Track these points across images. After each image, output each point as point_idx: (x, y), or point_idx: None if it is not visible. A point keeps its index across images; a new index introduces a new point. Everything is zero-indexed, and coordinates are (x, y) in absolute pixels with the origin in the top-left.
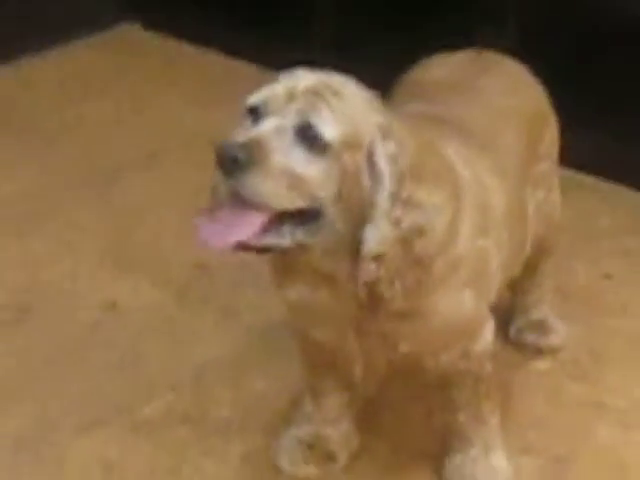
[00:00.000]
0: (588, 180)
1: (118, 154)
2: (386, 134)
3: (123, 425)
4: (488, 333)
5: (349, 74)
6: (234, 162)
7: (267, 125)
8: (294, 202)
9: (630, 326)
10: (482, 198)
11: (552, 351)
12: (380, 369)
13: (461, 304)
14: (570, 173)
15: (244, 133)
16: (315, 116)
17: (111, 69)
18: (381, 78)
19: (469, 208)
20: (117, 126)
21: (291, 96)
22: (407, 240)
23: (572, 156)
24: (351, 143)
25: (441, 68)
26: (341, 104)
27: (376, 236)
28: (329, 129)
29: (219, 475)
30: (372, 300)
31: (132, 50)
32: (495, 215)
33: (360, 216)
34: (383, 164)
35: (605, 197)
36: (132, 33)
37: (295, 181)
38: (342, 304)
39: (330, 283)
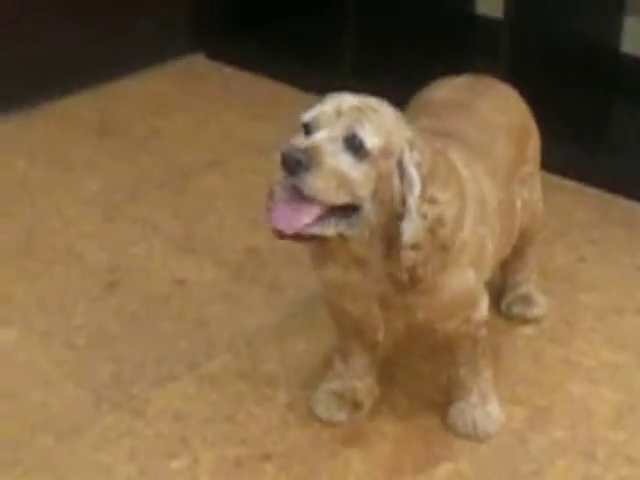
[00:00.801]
0: (565, 182)
1: (188, 159)
2: (412, 145)
3: (190, 380)
4: (484, 304)
5: (374, 95)
6: (297, 163)
7: (321, 135)
8: (341, 198)
9: (599, 300)
10: (479, 195)
11: (535, 320)
12: (398, 334)
13: (466, 280)
14: (550, 176)
15: (302, 141)
16: (359, 128)
17: (180, 91)
18: (398, 98)
19: (470, 202)
20: (186, 137)
21: (338, 113)
22: (433, 230)
23: (551, 162)
24: (386, 151)
25: (445, 89)
26: (378, 119)
27: (412, 229)
28: (370, 139)
29: (268, 420)
30: (412, 281)
31: (197, 76)
32: (489, 209)
33: (390, 211)
34: (412, 170)
35: (578, 196)
36: (197, 62)
37: (343, 181)
38: (370, 283)
39: (361, 266)
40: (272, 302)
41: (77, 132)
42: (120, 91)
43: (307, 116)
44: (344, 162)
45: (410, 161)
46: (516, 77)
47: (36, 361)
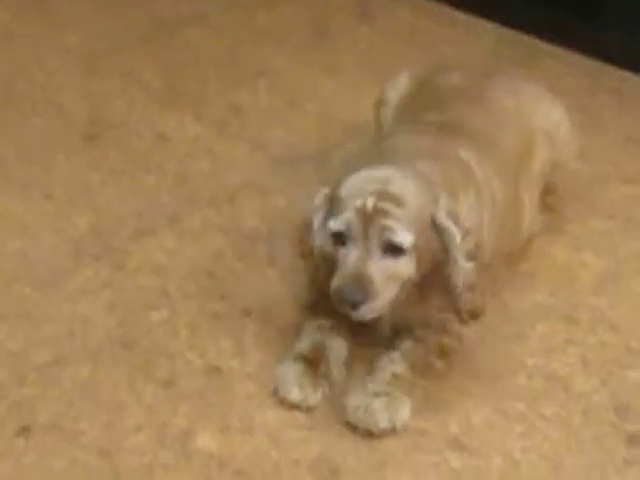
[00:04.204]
0: (556, 49)
1: (173, 12)
2: (437, 203)
3: (170, 234)
4: None
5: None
6: (354, 304)
7: (357, 254)
8: (394, 294)
9: (586, 168)
10: (491, 196)
11: None
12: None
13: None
14: (541, 43)
15: (346, 271)
16: (391, 234)
17: None
18: None
19: (486, 204)
20: None
21: (364, 219)
22: (475, 257)
23: (542, 28)
24: (419, 233)
25: (456, 76)
26: (404, 211)
27: (462, 274)
28: (403, 239)
29: (249, 274)
30: (475, 314)
31: None
32: (498, 212)
33: (432, 261)
34: (449, 225)
35: (569, 63)
36: None
37: (391, 280)
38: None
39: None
40: (255, 159)
41: None
42: None
43: (335, 227)
44: (388, 268)
45: (444, 220)
46: None
47: (14, 211)
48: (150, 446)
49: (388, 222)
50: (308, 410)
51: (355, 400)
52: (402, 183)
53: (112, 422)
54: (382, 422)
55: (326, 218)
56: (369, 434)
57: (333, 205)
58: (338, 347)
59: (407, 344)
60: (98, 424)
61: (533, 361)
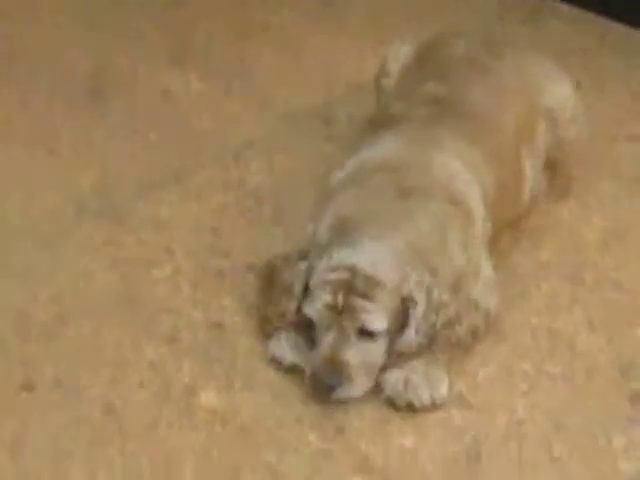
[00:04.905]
0: (561, 7)
1: None
2: (413, 278)
3: (174, 191)
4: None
5: None
6: (330, 388)
7: (331, 340)
8: (372, 377)
9: (591, 126)
10: (482, 190)
11: None
12: None
13: None
14: (546, 1)
15: (323, 357)
16: (365, 323)
17: None
18: None
19: (477, 214)
20: None
21: (335, 312)
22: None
23: None
24: (393, 312)
25: (462, 46)
26: (377, 290)
27: (405, 345)
28: (378, 324)
29: (252, 232)
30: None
31: None
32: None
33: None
34: (416, 296)
35: (574, 21)
36: None
37: (368, 364)
38: None
39: None
40: (260, 117)
41: None
42: None
43: (309, 313)
44: (363, 349)
45: (414, 292)
46: None
47: (18, 167)
48: (154, 402)
49: (361, 315)
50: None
51: (393, 375)
52: (372, 265)
53: (115, 378)
54: (424, 397)
55: (304, 288)
56: (410, 409)
57: (309, 280)
58: None
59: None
60: (102, 380)
61: (538, 320)
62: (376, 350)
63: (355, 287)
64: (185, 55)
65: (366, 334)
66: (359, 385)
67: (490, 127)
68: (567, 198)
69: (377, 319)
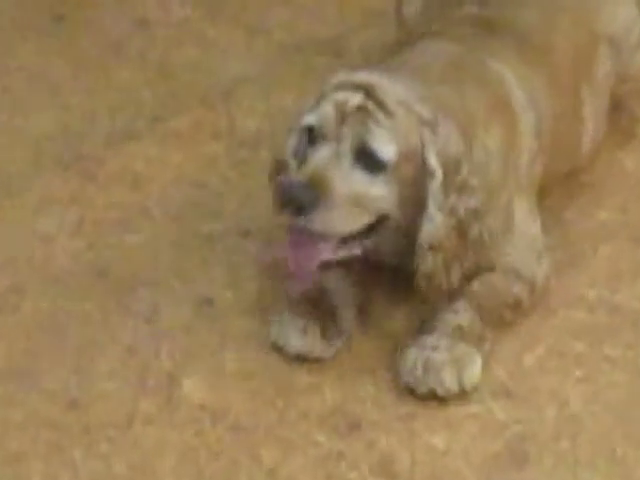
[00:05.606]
0: None
1: None
2: (433, 128)
3: (152, 138)
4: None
5: None
6: (299, 205)
7: (324, 154)
8: (362, 222)
9: None
10: (537, 119)
11: None
12: None
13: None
14: None
15: (303, 168)
16: (369, 137)
17: None
18: None
19: (525, 140)
20: None
21: (342, 117)
22: (463, 226)
23: None
24: (406, 154)
25: None
26: (389, 119)
27: (430, 227)
28: (384, 148)
29: (248, 187)
30: (430, 290)
31: None
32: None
33: (416, 206)
34: (433, 161)
35: None
36: None
37: (360, 203)
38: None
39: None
40: (255, 47)
41: None
42: None
43: (308, 120)
44: (357, 181)
45: (431, 150)
46: None
47: None
48: (128, 394)
49: (370, 124)
50: (320, 362)
51: (411, 355)
52: (400, 95)
53: (82, 365)
54: (448, 381)
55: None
56: (433, 396)
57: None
58: (343, 287)
59: (474, 289)
60: (65, 368)
61: (595, 292)
62: (375, 190)
63: (378, 96)
64: None
65: (366, 161)
66: (338, 218)
67: (545, 50)
68: (632, 144)
69: (385, 137)
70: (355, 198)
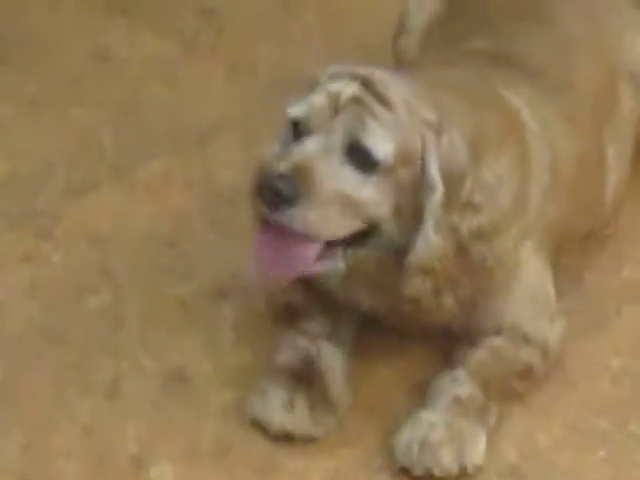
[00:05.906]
0: None
1: None
2: (438, 133)
3: (114, 190)
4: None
5: None
6: (278, 196)
7: (312, 147)
8: (349, 227)
9: None
10: (552, 157)
11: None
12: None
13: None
14: None
15: (286, 158)
16: (363, 133)
17: None
18: None
19: (537, 173)
20: None
21: (335, 109)
22: (464, 247)
23: None
24: (404, 156)
25: None
26: (388, 113)
27: (424, 248)
28: (380, 146)
29: (224, 246)
30: (419, 314)
31: None
32: (564, 174)
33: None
34: (434, 170)
35: None
36: None
37: (348, 205)
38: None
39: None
40: (236, 85)
41: None
42: None
43: (295, 111)
44: (347, 180)
45: (433, 158)
46: None
47: None
48: (88, 478)
49: (366, 117)
50: (307, 441)
51: (405, 435)
52: (393, 83)
53: (33, 444)
54: (446, 461)
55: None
56: (430, 478)
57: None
58: (331, 356)
59: (476, 356)
60: (14, 446)
61: (619, 361)
62: (365, 193)
63: (376, 87)
64: (129, 1)
65: (358, 159)
66: (322, 218)
67: (561, 87)
68: None
69: (381, 133)
70: (342, 198)
